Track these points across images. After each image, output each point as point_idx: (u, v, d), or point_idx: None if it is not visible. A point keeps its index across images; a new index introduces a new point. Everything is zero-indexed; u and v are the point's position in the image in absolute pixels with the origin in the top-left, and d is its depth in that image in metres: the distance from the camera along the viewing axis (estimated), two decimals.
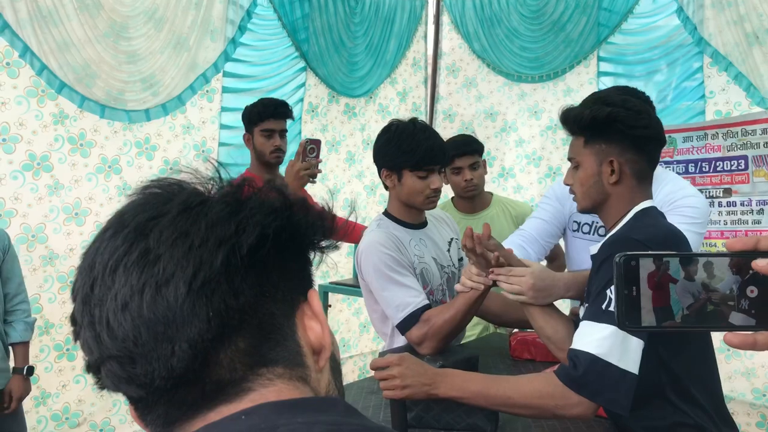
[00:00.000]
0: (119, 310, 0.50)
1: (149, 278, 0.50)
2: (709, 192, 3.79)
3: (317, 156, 2.53)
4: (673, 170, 3.84)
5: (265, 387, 0.53)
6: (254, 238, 0.52)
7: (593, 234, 2.01)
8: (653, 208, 1.43)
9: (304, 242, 0.58)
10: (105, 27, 3.17)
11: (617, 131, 1.40)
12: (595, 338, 1.24)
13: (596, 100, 1.49)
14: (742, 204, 3.67)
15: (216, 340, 0.50)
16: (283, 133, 2.86)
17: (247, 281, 0.52)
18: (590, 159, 1.44)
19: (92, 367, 0.54)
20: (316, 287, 0.61)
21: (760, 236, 0.55)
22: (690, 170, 3.87)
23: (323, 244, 0.59)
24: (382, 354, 1.88)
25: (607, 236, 1.46)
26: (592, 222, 2.01)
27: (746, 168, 3.65)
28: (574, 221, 2.05)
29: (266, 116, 2.81)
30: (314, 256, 0.60)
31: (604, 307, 1.25)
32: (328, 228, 0.59)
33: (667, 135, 4.17)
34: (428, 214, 2.10)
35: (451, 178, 2.81)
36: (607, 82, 4.42)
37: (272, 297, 0.54)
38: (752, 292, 0.55)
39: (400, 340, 1.97)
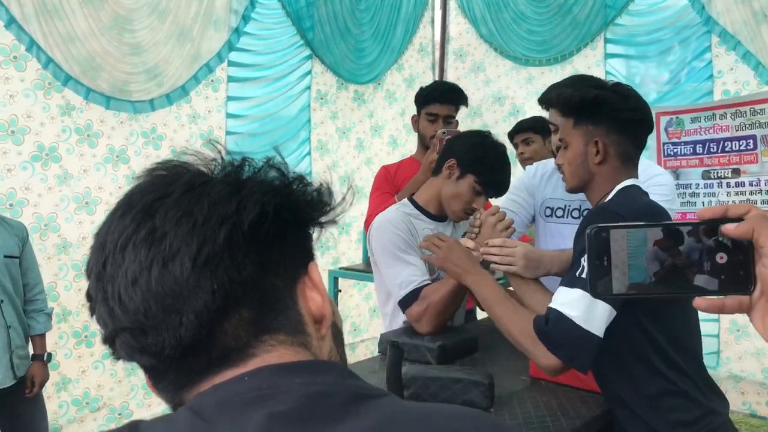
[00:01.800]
0: (130, 285, 0.54)
1: (156, 255, 0.53)
2: (718, 172, 3.75)
3: None
4: (681, 151, 3.82)
5: (267, 352, 0.56)
6: (255, 215, 0.55)
7: (567, 217, 2.04)
8: (635, 186, 1.47)
9: (303, 218, 0.61)
10: (109, 20, 3.22)
11: (604, 113, 1.44)
12: (566, 300, 1.32)
13: (584, 81, 1.52)
14: (750, 184, 3.63)
15: (221, 311, 0.54)
16: (448, 119, 2.68)
17: (249, 256, 0.55)
18: (578, 140, 1.49)
19: (107, 339, 0.57)
20: (316, 260, 0.65)
21: (729, 205, 0.57)
22: (698, 151, 3.83)
23: (322, 219, 0.62)
24: (382, 337, 1.91)
25: None
26: (565, 206, 2.04)
27: (755, 148, 3.61)
28: (547, 207, 2.08)
29: (432, 100, 2.69)
30: (314, 231, 0.63)
31: (577, 274, 1.32)
32: (326, 204, 0.61)
33: (674, 116, 4.12)
34: None
35: (516, 154, 3.22)
36: (614, 64, 4.39)
37: (274, 270, 0.57)
38: (721, 258, 0.57)
39: (399, 321, 2.01)
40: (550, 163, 2.14)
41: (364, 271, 3.65)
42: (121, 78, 3.30)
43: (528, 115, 4.70)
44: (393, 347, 1.44)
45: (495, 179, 1.96)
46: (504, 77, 4.87)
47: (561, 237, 1.98)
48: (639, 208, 1.39)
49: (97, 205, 3.27)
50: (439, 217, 2.08)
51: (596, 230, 0.59)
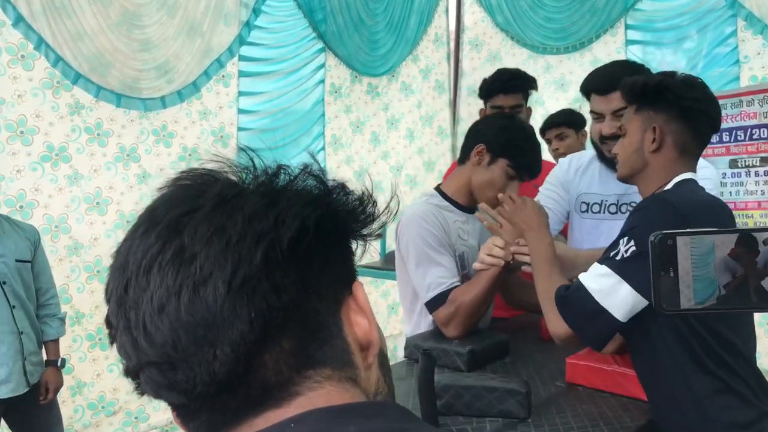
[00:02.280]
0: (156, 313, 0.48)
1: (185, 278, 0.47)
2: (745, 161, 3.63)
3: None
4: None
5: (313, 390, 0.50)
6: (294, 230, 0.49)
7: (603, 212, 1.95)
8: (693, 181, 1.39)
9: (345, 231, 0.55)
10: (117, 16, 3.16)
11: (666, 99, 1.39)
12: (592, 274, 1.32)
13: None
14: None
15: (259, 342, 0.48)
16: (516, 108, 2.45)
17: (289, 277, 0.49)
18: (636, 125, 1.43)
19: (131, 373, 0.51)
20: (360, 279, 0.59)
21: None
22: (724, 139, 3.71)
23: (365, 231, 0.56)
24: (409, 340, 1.83)
25: None
26: (601, 201, 1.95)
27: None
28: (583, 202, 1.99)
29: (495, 91, 2.48)
30: (356, 246, 0.57)
31: (611, 254, 1.30)
32: (370, 214, 0.56)
33: None
34: None
35: (548, 148, 3.24)
36: (635, 51, 4.27)
37: (316, 292, 0.51)
38: None
39: (426, 321, 1.92)
40: (585, 155, 2.04)
41: (382, 268, 3.58)
42: (132, 75, 3.24)
43: (547, 105, 4.61)
44: (425, 355, 1.35)
45: (528, 161, 1.89)
46: (521, 66, 4.71)
47: (597, 233, 1.89)
48: (700, 203, 1.31)
49: (108, 205, 3.21)
50: (469, 208, 1.99)
51: (661, 237, 0.53)
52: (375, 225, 0.56)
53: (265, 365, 0.48)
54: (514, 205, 1.69)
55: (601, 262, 1.33)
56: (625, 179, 1.49)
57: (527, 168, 1.90)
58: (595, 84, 1.84)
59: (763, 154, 3.58)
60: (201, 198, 0.50)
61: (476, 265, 1.79)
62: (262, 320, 0.47)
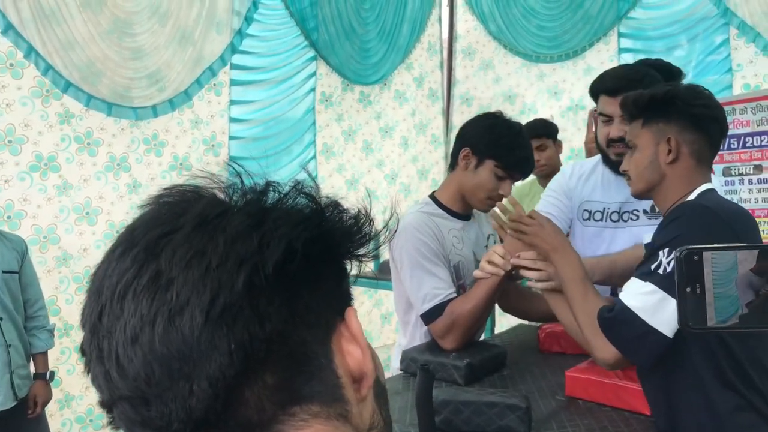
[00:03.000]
0: (129, 344, 0.44)
1: (161, 306, 0.43)
2: (739, 169, 3.64)
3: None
4: None
5: (299, 430, 0.46)
6: (280, 253, 0.45)
7: (605, 220, 1.93)
8: (716, 191, 1.36)
9: (338, 252, 0.51)
10: (108, 24, 3.13)
11: (676, 109, 1.35)
12: (634, 292, 1.26)
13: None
14: None
15: (240, 376, 0.44)
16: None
17: (274, 305, 0.45)
18: (647, 139, 1.38)
19: (105, 406, 0.47)
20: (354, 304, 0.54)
21: None
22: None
23: (360, 252, 0.52)
24: (405, 353, 1.79)
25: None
26: (604, 209, 1.93)
27: None
28: (585, 210, 1.97)
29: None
30: (351, 267, 0.53)
31: (653, 267, 1.25)
32: (366, 234, 0.52)
33: None
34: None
35: None
36: (628, 59, 4.26)
37: (304, 321, 0.47)
38: None
39: (422, 332, 1.89)
40: (587, 163, 2.02)
41: (376, 278, 3.55)
42: (123, 84, 3.21)
43: (541, 113, 4.60)
44: (423, 371, 1.32)
45: (516, 159, 1.82)
46: (514, 75, 4.75)
47: (599, 240, 1.88)
48: (733, 210, 1.28)
49: (98, 215, 3.16)
50: (463, 215, 1.95)
51: (687, 253, 0.51)
52: (372, 245, 0.52)
53: (245, 402, 0.44)
54: (533, 226, 1.55)
55: (641, 277, 1.27)
56: (641, 195, 1.44)
57: (516, 166, 1.84)
58: (606, 85, 1.82)
59: (756, 162, 3.58)
60: (182, 217, 0.46)
61: (476, 273, 1.76)
62: (243, 352, 0.43)
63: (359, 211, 0.52)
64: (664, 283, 1.21)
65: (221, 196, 0.49)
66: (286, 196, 0.49)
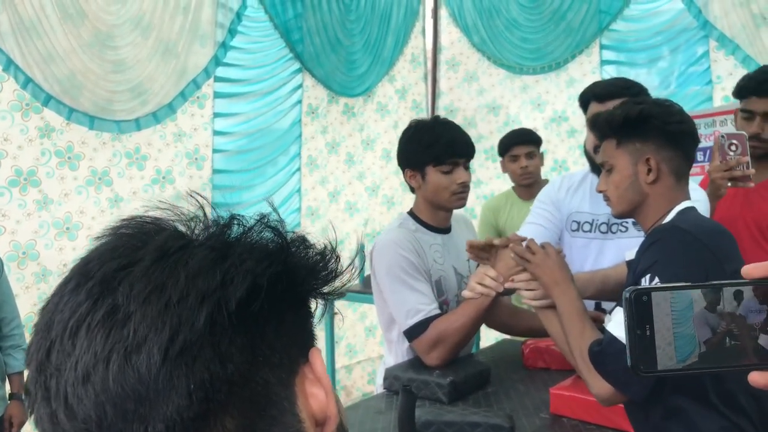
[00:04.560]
0: (79, 383, 0.41)
1: (117, 343, 0.41)
2: None
3: (743, 153, 1.87)
4: None
5: None
6: (244, 289, 0.43)
7: (594, 231, 1.94)
8: (695, 209, 1.36)
9: (304, 290, 0.49)
10: (90, 36, 3.10)
11: (652, 127, 1.35)
12: (620, 321, 1.23)
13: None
14: None
15: (199, 419, 0.42)
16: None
17: (237, 344, 0.43)
18: (624, 160, 1.38)
19: None
20: (319, 345, 0.53)
21: None
22: (698, 159, 3.72)
23: (326, 289, 0.50)
24: (388, 371, 1.78)
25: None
26: (592, 220, 1.95)
27: None
28: (574, 221, 1.98)
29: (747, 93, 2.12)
30: (316, 306, 0.51)
31: None
32: (332, 270, 0.50)
33: None
34: (452, 220, 2.02)
35: (508, 165, 3.19)
36: (610, 71, 4.30)
37: (267, 361, 0.45)
38: None
39: (404, 348, 1.88)
40: (576, 175, 2.04)
41: (360, 291, 3.52)
42: (105, 97, 3.17)
43: (525, 125, 4.61)
44: (405, 391, 1.31)
45: (445, 148, 1.82)
46: (498, 86, 4.77)
47: (588, 252, 1.90)
48: (711, 229, 1.28)
49: (79, 230, 3.12)
50: (443, 229, 1.96)
51: (635, 294, 0.50)
52: (337, 283, 0.50)
53: None
54: (537, 257, 1.53)
55: None
56: (623, 215, 1.44)
57: (451, 154, 1.83)
58: (596, 91, 1.86)
59: None
60: (141, 250, 0.44)
61: (466, 293, 1.75)
62: (202, 393, 0.41)
63: (325, 247, 0.50)
64: None
65: (183, 228, 0.48)
66: (251, 230, 0.48)
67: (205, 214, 0.48)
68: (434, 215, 1.93)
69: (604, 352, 1.25)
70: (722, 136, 1.92)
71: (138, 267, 0.43)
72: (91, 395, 0.40)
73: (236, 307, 0.42)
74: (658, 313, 0.49)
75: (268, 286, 0.44)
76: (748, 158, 1.86)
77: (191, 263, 0.43)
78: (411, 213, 1.97)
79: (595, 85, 1.94)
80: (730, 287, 0.50)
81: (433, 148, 1.82)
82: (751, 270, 0.49)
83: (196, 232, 0.47)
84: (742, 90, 2.09)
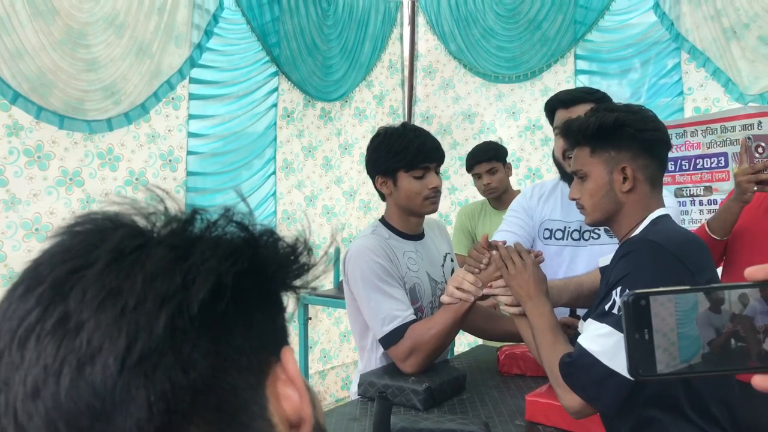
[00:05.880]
0: (29, 398, 0.38)
1: (69, 353, 0.38)
2: (690, 190, 3.73)
3: None
4: None
5: None
6: (207, 290, 0.40)
7: (566, 239, 1.96)
8: (669, 216, 1.36)
9: (274, 286, 0.47)
10: (61, 34, 3.04)
11: (627, 136, 1.33)
12: (592, 335, 1.23)
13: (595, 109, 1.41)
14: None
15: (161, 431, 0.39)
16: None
17: (200, 349, 0.40)
18: (599, 168, 1.36)
19: None
20: (291, 343, 0.49)
21: None
22: (670, 168, 3.80)
23: (297, 283, 0.48)
24: (363, 377, 1.76)
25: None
26: (564, 227, 1.96)
27: (726, 165, 3.59)
28: (546, 229, 1.99)
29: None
30: (287, 301, 0.48)
31: (607, 308, 1.23)
32: (303, 264, 0.48)
33: None
34: (426, 225, 2.00)
35: (475, 182, 3.30)
36: (584, 81, 4.35)
37: (234, 365, 0.42)
38: None
39: (378, 356, 1.86)
40: (547, 183, 2.06)
41: (335, 296, 3.51)
42: (76, 96, 3.11)
43: (499, 133, 4.66)
44: (380, 398, 1.30)
45: (416, 154, 1.81)
46: (473, 94, 4.80)
47: (560, 260, 1.90)
48: (682, 239, 1.28)
49: (49, 232, 3.04)
50: (415, 235, 1.95)
51: (633, 298, 0.50)
52: (309, 276, 0.48)
53: None
54: (515, 268, 1.51)
55: (597, 318, 1.24)
56: (597, 224, 1.43)
57: (421, 159, 1.82)
58: (561, 97, 1.89)
59: (706, 184, 3.68)
60: (96, 251, 0.41)
61: (444, 299, 1.75)
62: (164, 404, 0.38)
63: (296, 239, 0.48)
64: (620, 323, 1.20)
65: (143, 223, 0.44)
66: (215, 225, 0.45)
67: (166, 207, 0.45)
68: (406, 222, 1.92)
69: (574, 364, 1.24)
70: (749, 138, 1.84)
71: (91, 270, 0.40)
72: (42, 412, 0.37)
73: (199, 309, 0.40)
74: (658, 316, 0.50)
75: (233, 285, 0.41)
76: None
77: (149, 264, 0.40)
78: (383, 220, 1.96)
79: (559, 93, 1.98)
80: (730, 290, 0.50)
81: (404, 154, 1.81)
82: (753, 272, 0.49)
83: (157, 229, 0.44)
84: None
